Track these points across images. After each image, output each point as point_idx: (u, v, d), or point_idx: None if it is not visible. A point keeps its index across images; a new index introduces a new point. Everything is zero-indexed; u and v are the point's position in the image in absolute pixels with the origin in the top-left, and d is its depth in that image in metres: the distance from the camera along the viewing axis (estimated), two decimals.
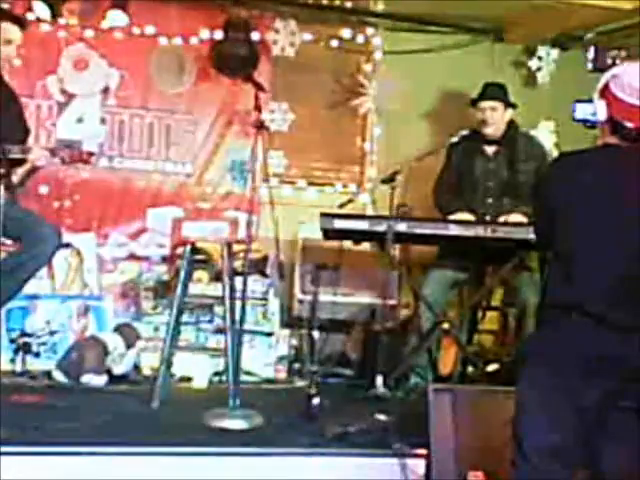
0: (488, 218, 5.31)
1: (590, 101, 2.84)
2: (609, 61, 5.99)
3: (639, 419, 2.62)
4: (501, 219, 5.23)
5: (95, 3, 6.17)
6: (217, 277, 5.37)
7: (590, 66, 6.18)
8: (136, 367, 5.42)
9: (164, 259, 5.95)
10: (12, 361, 5.29)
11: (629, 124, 2.71)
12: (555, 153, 6.13)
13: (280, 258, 4.95)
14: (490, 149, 5.51)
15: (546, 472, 2.70)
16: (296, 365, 5.83)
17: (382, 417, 4.42)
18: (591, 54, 6.19)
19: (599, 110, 2.77)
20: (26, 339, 5.35)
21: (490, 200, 5.44)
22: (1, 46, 4.62)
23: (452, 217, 5.30)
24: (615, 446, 2.64)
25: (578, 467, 2.70)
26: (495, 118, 5.46)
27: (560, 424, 2.66)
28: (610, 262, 2.65)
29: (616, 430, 2.63)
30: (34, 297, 5.43)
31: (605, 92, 2.76)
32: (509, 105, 5.50)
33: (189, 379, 5.38)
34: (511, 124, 5.55)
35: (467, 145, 5.55)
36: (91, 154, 4.72)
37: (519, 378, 2.83)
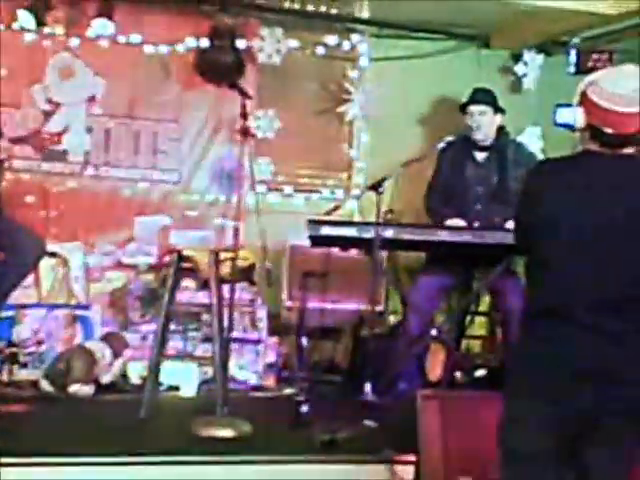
0: (477, 224, 5.31)
1: (571, 105, 2.83)
2: (591, 64, 6.01)
3: (624, 423, 2.62)
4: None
5: (80, 12, 6.16)
6: (204, 285, 5.36)
7: (572, 69, 6.20)
8: (124, 376, 5.41)
9: (151, 267, 5.94)
10: None
11: (609, 130, 2.71)
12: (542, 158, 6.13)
13: (267, 265, 4.95)
14: (480, 155, 5.50)
15: (532, 478, 2.70)
16: (284, 372, 5.82)
17: (371, 423, 4.42)
18: (573, 58, 6.21)
19: (578, 117, 2.77)
20: (13, 349, 5.33)
21: (479, 206, 5.44)
22: None
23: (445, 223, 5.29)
24: (601, 451, 2.64)
25: (564, 472, 2.69)
26: (484, 123, 5.44)
27: (546, 430, 2.65)
28: (593, 268, 2.65)
29: (602, 435, 2.63)
30: (21, 307, 5.41)
31: (583, 99, 2.76)
32: (498, 110, 5.50)
33: (177, 388, 5.37)
34: (501, 130, 5.54)
35: (457, 151, 5.55)
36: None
37: (505, 384, 2.83)
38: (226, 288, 4.62)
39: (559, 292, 2.70)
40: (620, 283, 2.64)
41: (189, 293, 5.68)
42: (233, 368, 5.34)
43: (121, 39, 6.24)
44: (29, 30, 6.03)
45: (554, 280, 2.72)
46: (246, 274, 5.82)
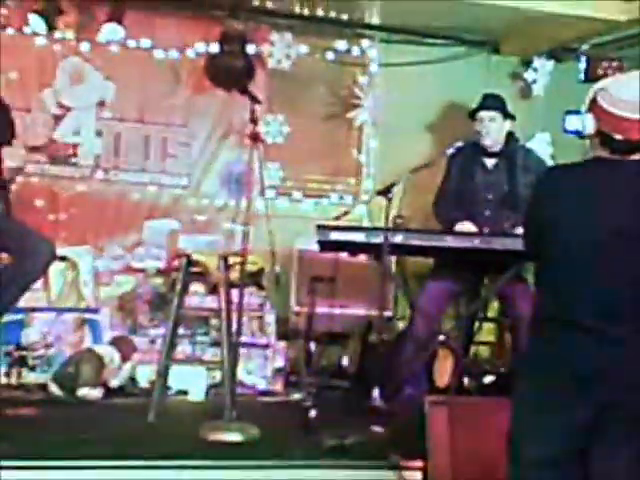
0: (487, 230, 5.30)
1: (581, 112, 2.84)
2: (601, 72, 6.01)
3: (627, 426, 2.62)
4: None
5: (91, 16, 6.18)
6: (213, 289, 5.37)
7: (582, 77, 6.20)
8: (132, 380, 5.42)
9: (160, 271, 5.94)
10: (7, 375, 5.28)
11: (618, 136, 2.71)
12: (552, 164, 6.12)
13: (276, 270, 4.95)
14: (490, 161, 5.48)
15: None
16: (292, 377, 5.82)
17: (378, 429, 4.42)
18: (583, 65, 6.21)
19: (588, 123, 2.78)
20: (22, 352, 5.34)
21: (488, 212, 5.43)
22: None
23: (455, 228, 5.28)
24: (608, 457, 2.64)
25: (572, 477, 2.69)
26: (493, 129, 5.42)
27: (553, 435, 2.66)
28: (600, 275, 2.66)
29: (609, 441, 2.63)
30: (30, 310, 5.42)
31: (593, 106, 2.77)
32: (507, 116, 5.49)
33: (185, 392, 5.37)
34: (510, 136, 5.53)
35: (467, 157, 5.53)
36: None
37: (514, 391, 2.83)
38: (235, 292, 4.63)
39: (563, 296, 2.71)
40: (623, 287, 2.64)
41: (198, 297, 5.68)
42: (241, 372, 5.34)
43: (131, 44, 6.27)
44: (40, 34, 6.06)
45: (559, 284, 2.73)
46: (255, 279, 5.83)
